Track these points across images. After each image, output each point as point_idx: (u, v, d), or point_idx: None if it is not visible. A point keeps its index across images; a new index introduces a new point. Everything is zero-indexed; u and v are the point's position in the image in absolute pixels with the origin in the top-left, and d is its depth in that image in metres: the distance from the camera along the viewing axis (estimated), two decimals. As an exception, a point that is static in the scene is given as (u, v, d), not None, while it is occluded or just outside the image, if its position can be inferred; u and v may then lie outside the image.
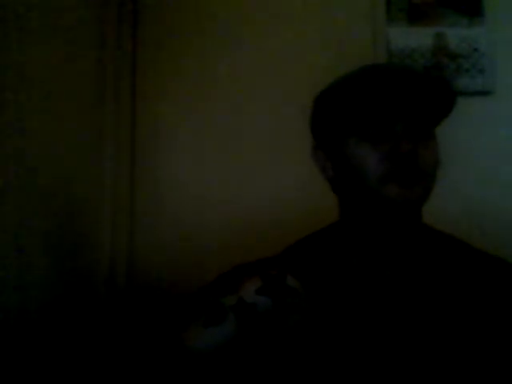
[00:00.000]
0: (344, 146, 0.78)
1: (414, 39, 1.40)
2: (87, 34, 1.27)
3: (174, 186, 1.40)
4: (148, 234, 1.38)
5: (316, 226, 0.89)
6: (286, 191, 1.36)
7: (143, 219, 1.38)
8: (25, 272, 0.95)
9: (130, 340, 1.24)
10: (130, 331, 1.28)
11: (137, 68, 1.43)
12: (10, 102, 0.90)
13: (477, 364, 0.71)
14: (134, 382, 1.08)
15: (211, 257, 1.31)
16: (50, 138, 1.05)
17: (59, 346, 1.05)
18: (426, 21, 1.41)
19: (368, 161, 0.75)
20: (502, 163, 1.39)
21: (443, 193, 1.30)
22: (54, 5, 1.07)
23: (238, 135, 1.41)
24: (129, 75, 1.42)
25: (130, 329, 1.28)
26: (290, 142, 1.34)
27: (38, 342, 0.98)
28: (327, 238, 0.85)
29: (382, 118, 0.75)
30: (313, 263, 0.80)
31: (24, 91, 0.95)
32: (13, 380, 0.88)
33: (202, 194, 1.38)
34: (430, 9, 1.42)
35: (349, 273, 0.79)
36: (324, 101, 0.82)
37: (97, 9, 1.32)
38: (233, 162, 1.40)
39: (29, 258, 0.96)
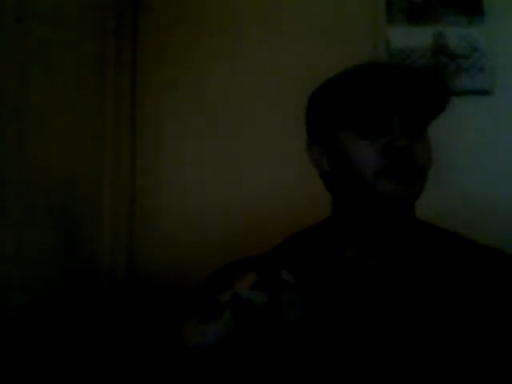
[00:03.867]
0: (340, 139, 0.79)
1: (414, 39, 1.40)
2: (88, 30, 1.28)
3: (173, 184, 1.40)
4: (148, 230, 1.38)
5: (315, 222, 0.89)
6: (285, 189, 1.36)
7: (143, 215, 1.39)
8: (26, 269, 0.95)
9: (130, 336, 1.25)
10: (131, 327, 1.28)
11: (137, 67, 1.44)
12: (10, 103, 0.90)
13: (475, 358, 0.71)
14: (134, 378, 1.08)
15: (211, 253, 1.31)
16: (50, 137, 1.05)
17: (60, 342, 1.05)
18: (425, 20, 1.41)
19: (364, 154, 0.75)
20: (502, 163, 1.38)
21: (443, 192, 1.32)
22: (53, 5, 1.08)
23: (238, 134, 1.41)
24: (129, 74, 1.43)
25: (130, 324, 1.29)
26: (289, 142, 1.34)
27: (39, 339, 0.98)
28: (321, 233, 0.85)
29: (378, 111, 0.75)
30: (307, 258, 0.80)
31: (24, 91, 0.95)
32: (14, 376, 0.88)
33: (201, 191, 1.39)
34: (430, 8, 1.42)
35: (343, 266, 0.79)
36: (321, 94, 0.82)
37: (97, 10, 1.33)
38: (232, 160, 1.40)
39: (29, 255, 0.96)
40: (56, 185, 1.08)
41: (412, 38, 1.40)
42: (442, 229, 0.86)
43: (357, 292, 0.76)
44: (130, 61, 1.43)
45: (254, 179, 1.39)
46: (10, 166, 0.91)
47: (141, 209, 1.39)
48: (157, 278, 1.33)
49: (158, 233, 1.38)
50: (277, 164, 1.38)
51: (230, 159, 1.40)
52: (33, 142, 0.98)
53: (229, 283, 0.66)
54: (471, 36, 1.40)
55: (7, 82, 0.90)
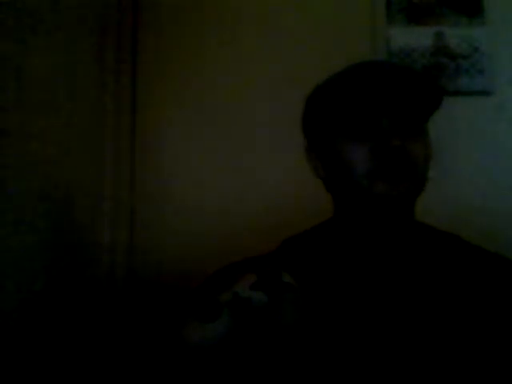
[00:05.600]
0: (332, 144, 0.79)
1: (414, 39, 1.40)
2: (88, 35, 1.28)
3: (174, 182, 1.40)
4: (148, 230, 1.38)
5: (317, 222, 0.89)
6: (286, 189, 1.36)
7: (143, 215, 1.39)
8: (24, 268, 0.95)
9: (130, 336, 1.25)
10: (130, 326, 1.28)
11: (137, 68, 1.44)
12: (10, 103, 0.90)
13: (473, 357, 0.71)
14: (134, 377, 1.08)
15: (212, 252, 1.31)
16: (50, 137, 1.05)
17: (60, 342, 1.05)
18: (425, 21, 1.41)
19: (356, 158, 0.75)
20: (502, 163, 1.38)
21: (443, 192, 1.32)
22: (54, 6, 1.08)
23: (238, 135, 1.41)
24: (129, 75, 1.43)
25: (130, 323, 1.29)
26: (291, 142, 1.33)
27: (38, 339, 0.98)
28: (321, 235, 0.85)
29: (367, 113, 0.75)
30: (307, 259, 0.80)
31: (25, 92, 0.95)
32: (13, 377, 0.88)
33: (202, 191, 1.39)
34: (430, 9, 1.42)
35: (342, 268, 0.79)
36: (311, 101, 0.83)
37: (98, 10, 1.33)
38: (233, 160, 1.40)
39: (29, 255, 0.96)
40: (56, 186, 1.08)
41: (412, 39, 1.40)
42: (442, 231, 0.86)
43: (357, 294, 0.76)
44: (130, 59, 1.43)
45: (255, 180, 1.39)
46: (10, 166, 0.91)
47: (141, 208, 1.39)
48: (157, 278, 1.33)
49: (158, 232, 1.38)
50: (278, 163, 1.38)
51: (231, 159, 1.40)
52: (32, 142, 0.98)
53: (230, 283, 0.66)
54: (471, 37, 1.40)
55: (7, 83, 0.90)
